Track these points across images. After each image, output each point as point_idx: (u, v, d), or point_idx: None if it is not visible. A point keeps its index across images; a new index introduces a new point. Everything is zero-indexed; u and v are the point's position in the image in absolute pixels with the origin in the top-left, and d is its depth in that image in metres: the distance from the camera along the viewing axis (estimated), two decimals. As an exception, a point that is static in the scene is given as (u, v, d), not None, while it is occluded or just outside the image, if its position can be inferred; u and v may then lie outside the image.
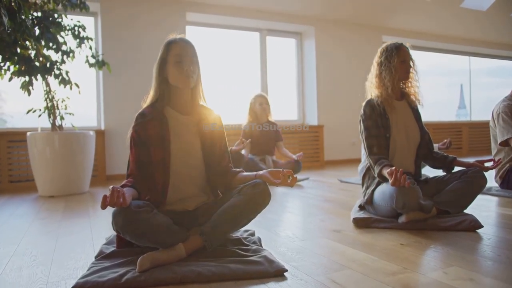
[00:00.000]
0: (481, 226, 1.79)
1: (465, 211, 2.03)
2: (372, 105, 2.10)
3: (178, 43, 1.61)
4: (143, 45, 4.63)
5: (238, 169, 1.70)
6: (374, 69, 2.15)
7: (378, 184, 2.04)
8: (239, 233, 1.76)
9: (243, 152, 3.86)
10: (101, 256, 1.47)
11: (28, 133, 3.42)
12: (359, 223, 1.96)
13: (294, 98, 6.07)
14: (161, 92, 1.63)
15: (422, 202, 1.84)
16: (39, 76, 3.31)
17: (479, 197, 2.64)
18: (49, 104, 3.45)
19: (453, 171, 2.15)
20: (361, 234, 1.82)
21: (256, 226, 2.00)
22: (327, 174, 4.53)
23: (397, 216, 1.94)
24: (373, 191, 2.05)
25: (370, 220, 1.95)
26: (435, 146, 3.38)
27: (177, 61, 1.58)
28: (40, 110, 3.47)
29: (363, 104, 2.14)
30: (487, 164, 2.07)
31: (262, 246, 1.61)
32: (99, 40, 4.60)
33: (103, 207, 1.22)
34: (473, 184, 1.98)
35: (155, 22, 4.73)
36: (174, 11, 4.85)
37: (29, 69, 3.17)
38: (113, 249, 1.52)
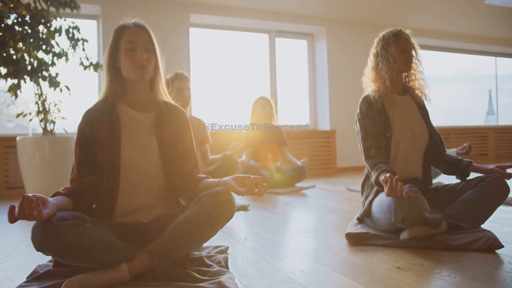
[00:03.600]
0: (500, 246, 1.46)
1: (482, 226, 1.70)
2: (369, 101, 1.82)
3: (130, 28, 1.39)
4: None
5: (204, 175, 1.46)
6: (370, 62, 1.88)
7: (377, 194, 1.74)
8: (207, 250, 1.50)
9: (243, 158, 3.62)
10: (33, 277, 1.25)
11: (17, 138, 3.29)
12: (354, 239, 1.67)
13: (305, 102, 5.78)
14: (112, 85, 1.41)
15: (428, 215, 1.53)
16: (29, 79, 3.18)
17: (502, 209, 2.29)
18: (40, 108, 3.32)
19: (468, 177, 1.82)
20: (354, 253, 1.53)
21: (234, 241, 1.74)
22: (337, 182, 4.21)
23: (399, 232, 1.64)
24: (371, 201, 1.76)
25: (367, 236, 1.65)
26: (453, 150, 3.04)
27: (128, 48, 1.36)
28: (30, 114, 3.34)
29: (359, 101, 1.86)
30: (509, 170, 1.74)
31: (227, 267, 1.35)
32: (101, 43, 4.49)
33: (11, 220, 0.99)
34: (492, 193, 1.65)
35: (157, 25, 4.57)
36: (177, 13, 4.69)
37: (16, 70, 3.04)
38: (50, 267, 1.30)
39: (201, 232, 1.24)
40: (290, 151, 4.82)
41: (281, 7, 5.13)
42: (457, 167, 1.84)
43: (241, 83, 5.44)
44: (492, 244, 1.46)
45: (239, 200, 2.87)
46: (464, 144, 2.98)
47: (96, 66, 3.57)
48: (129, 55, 1.36)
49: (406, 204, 1.46)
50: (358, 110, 1.85)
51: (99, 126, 1.36)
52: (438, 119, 6.56)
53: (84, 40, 3.51)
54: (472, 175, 1.80)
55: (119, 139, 1.36)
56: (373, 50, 1.87)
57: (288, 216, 2.43)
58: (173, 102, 1.52)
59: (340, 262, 1.41)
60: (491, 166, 1.78)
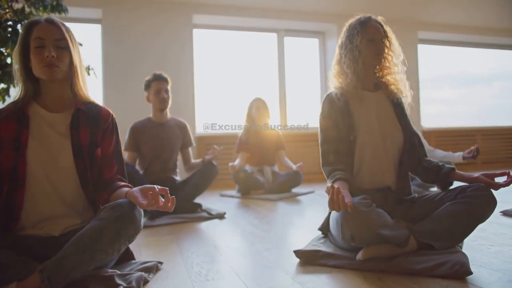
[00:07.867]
0: (468, 273, 1.20)
1: (466, 241, 1.44)
2: (331, 99, 1.61)
3: (40, 24, 1.27)
4: (147, 51, 4.42)
5: (123, 183, 1.31)
6: (335, 55, 1.66)
7: (337, 205, 1.52)
8: (130, 267, 1.35)
9: (235, 162, 3.45)
10: None
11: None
12: (304, 258, 1.45)
13: (317, 103, 5.53)
14: (25, 85, 1.30)
15: (385, 233, 1.30)
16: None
17: (502, 222, 1.98)
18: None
19: (451, 187, 1.56)
20: (296, 276, 1.32)
21: (180, 254, 1.58)
22: (341, 188, 3.93)
23: (359, 250, 1.41)
24: (329, 214, 1.54)
25: (318, 254, 1.43)
26: (459, 154, 2.73)
27: (36, 46, 1.24)
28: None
29: (322, 100, 1.65)
30: (498, 179, 1.47)
31: (139, 289, 1.19)
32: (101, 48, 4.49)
33: None
34: (472, 207, 1.38)
35: (159, 27, 4.51)
36: (179, 15, 4.60)
37: (3, 75, 3.05)
38: None
39: (98, 249, 1.09)
40: (299, 154, 4.61)
41: (289, 5, 4.92)
42: (437, 175, 1.58)
43: (249, 84, 5.28)
44: (459, 270, 1.20)
45: (217, 206, 2.70)
46: (472, 147, 2.66)
47: (88, 69, 3.54)
48: (37, 53, 1.24)
49: (353, 219, 1.24)
50: (320, 110, 1.64)
51: (5, 128, 1.25)
52: (481, 120, 6.03)
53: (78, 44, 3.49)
54: (457, 184, 1.54)
55: (26, 141, 1.24)
56: (338, 42, 1.65)
57: (262, 226, 2.23)
58: (97, 103, 1.39)
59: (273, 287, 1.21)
60: (476, 174, 1.51)
